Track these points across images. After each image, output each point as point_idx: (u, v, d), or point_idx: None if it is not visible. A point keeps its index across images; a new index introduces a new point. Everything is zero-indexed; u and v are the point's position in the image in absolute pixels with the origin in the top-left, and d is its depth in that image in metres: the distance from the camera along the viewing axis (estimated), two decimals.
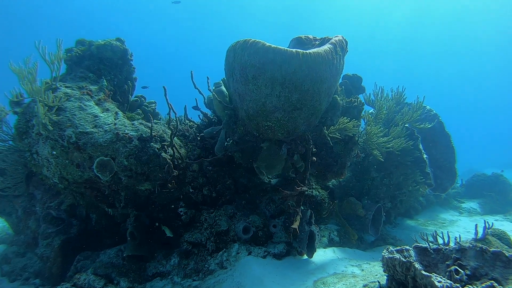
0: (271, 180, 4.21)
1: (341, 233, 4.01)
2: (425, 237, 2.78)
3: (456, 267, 2.09)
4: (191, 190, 3.49)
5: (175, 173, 3.02)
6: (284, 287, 2.66)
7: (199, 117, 4.01)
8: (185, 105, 3.83)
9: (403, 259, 1.98)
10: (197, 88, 3.55)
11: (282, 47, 2.50)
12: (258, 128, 2.93)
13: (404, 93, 4.04)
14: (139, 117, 3.50)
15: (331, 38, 3.05)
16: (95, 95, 3.17)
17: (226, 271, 3.17)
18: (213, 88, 3.48)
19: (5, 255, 4.20)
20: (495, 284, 1.68)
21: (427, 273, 1.85)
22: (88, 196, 3.30)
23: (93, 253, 3.80)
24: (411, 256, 2.32)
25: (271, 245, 3.49)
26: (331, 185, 4.36)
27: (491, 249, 2.10)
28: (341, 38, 2.92)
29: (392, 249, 2.27)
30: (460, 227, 5.01)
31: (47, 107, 2.77)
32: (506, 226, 5.26)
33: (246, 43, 2.60)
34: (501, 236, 2.60)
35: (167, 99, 2.91)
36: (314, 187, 4.10)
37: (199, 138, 3.62)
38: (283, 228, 3.55)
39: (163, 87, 2.88)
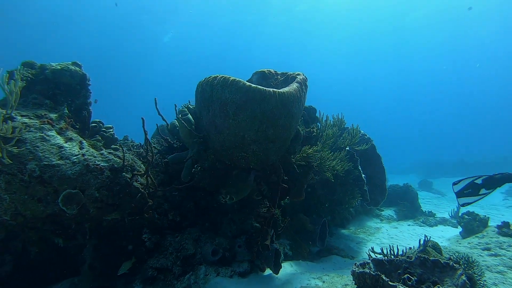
0: (227, 201, 4.40)
1: (293, 247, 4.39)
2: (373, 250, 3.30)
3: (408, 275, 2.59)
4: (156, 216, 3.48)
5: (150, 203, 3.02)
6: None
7: (159, 142, 4.01)
8: (146, 131, 3.80)
9: (373, 273, 2.40)
10: (161, 115, 3.58)
11: (261, 87, 2.75)
12: (232, 158, 3.13)
13: (344, 119, 4.64)
14: (100, 144, 3.38)
15: (294, 75, 3.43)
16: (56, 124, 2.99)
17: None
18: (179, 115, 3.55)
19: None
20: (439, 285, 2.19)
21: (393, 284, 2.28)
22: (44, 231, 3.06)
23: None
24: (371, 268, 2.76)
25: (235, 264, 3.67)
26: (282, 203, 4.73)
27: (431, 258, 2.65)
28: (304, 77, 3.30)
29: (358, 263, 2.68)
30: (385, 233, 5.85)
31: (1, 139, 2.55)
32: (417, 229, 6.31)
33: (226, 81, 2.79)
34: (435, 246, 3.27)
35: (144, 130, 2.93)
36: (267, 206, 4.42)
37: (163, 164, 3.64)
38: (246, 247, 3.77)
39: (142, 118, 2.89)
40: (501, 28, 36.87)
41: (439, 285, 2.27)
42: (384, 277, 2.32)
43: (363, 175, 4.51)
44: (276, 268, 3.41)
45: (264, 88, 2.75)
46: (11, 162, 2.55)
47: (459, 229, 5.60)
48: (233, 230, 3.96)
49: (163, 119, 3.66)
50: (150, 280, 3.49)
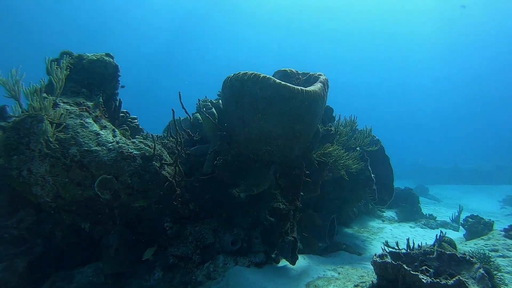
0: (241, 195, 4.56)
1: (304, 242, 4.56)
2: (387, 245, 3.48)
3: (426, 267, 2.76)
4: (179, 206, 3.63)
5: (178, 191, 3.18)
6: None
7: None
8: (169, 123, 3.96)
9: (394, 263, 2.57)
10: (185, 109, 3.75)
11: (290, 85, 2.93)
12: (256, 151, 3.30)
13: (356, 121, 4.84)
14: (128, 133, 3.53)
15: (316, 75, 3.61)
16: (92, 112, 3.14)
17: (217, 281, 3.41)
18: (203, 109, 3.71)
19: None
20: (462, 278, 2.37)
21: (415, 273, 2.46)
22: (77, 215, 3.20)
23: (66, 273, 3.62)
24: (389, 259, 2.93)
25: (252, 255, 3.83)
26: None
27: (447, 252, 2.83)
28: (326, 77, 3.48)
29: (378, 255, 2.85)
30: (388, 233, 6.04)
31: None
32: (419, 231, 6.52)
33: (257, 77, 2.96)
34: (450, 242, 3.45)
35: (175, 122, 3.09)
36: (280, 200, 4.58)
37: (185, 156, 3.79)
38: (261, 239, 3.93)
39: (172, 109, 3.06)
40: (496, 34, 37.32)
41: (458, 276, 2.45)
42: (405, 266, 2.50)
43: (372, 175, 4.70)
44: (293, 259, 3.58)
45: (293, 85, 2.93)
46: (58, 147, 2.70)
47: (461, 232, 5.81)
48: (248, 222, 4.13)
49: (186, 113, 3.82)
50: (170, 267, 3.64)
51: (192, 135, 4.07)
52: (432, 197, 16.05)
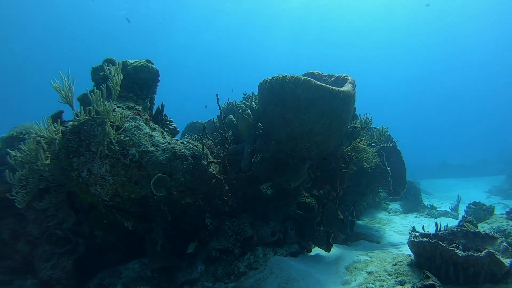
0: (268, 191, 4.82)
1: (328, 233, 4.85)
2: (415, 230, 3.81)
3: (456, 244, 3.09)
4: (219, 202, 3.86)
5: (226, 187, 3.41)
6: (325, 275, 3.32)
7: (212, 135, 4.39)
8: (204, 126, 4.18)
9: (431, 241, 2.88)
10: (221, 111, 3.99)
11: (329, 86, 3.22)
12: (295, 148, 3.57)
13: (371, 120, 5.16)
14: (170, 134, 3.74)
15: (343, 77, 3.91)
16: (143, 115, 3.34)
17: (259, 270, 3.64)
18: (239, 110, 3.96)
19: None
20: (491, 250, 2.70)
21: (451, 248, 2.78)
22: (129, 213, 3.38)
23: (112, 269, 3.79)
24: (425, 239, 3.23)
25: (286, 246, 4.09)
26: (316, 193, 5.19)
27: (471, 231, 3.17)
28: (353, 78, 3.79)
29: (413, 235, 3.16)
30: (397, 223, 6.42)
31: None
32: (424, 220, 6.93)
33: (298, 80, 3.23)
34: (472, 222, 3.81)
35: (223, 124, 3.32)
36: (305, 195, 4.87)
37: (221, 155, 4.02)
38: (295, 231, 4.20)
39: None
40: (484, 33, 38.72)
41: (488, 248, 2.78)
42: (442, 243, 2.81)
43: (388, 168, 5.04)
44: (328, 247, 3.86)
45: (331, 87, 3.22)
46: (118, 148, 2.89)
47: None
48: (280, 216, 4.39)
49: (221, 113, 4.06)
50: (212, 260, 3.86)
51: (225, 135, 4.30)
52: (423, 191, 16.63)
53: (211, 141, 4.15)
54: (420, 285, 2.19)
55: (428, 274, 2.35)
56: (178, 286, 3.70)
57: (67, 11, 33.83)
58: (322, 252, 4.08)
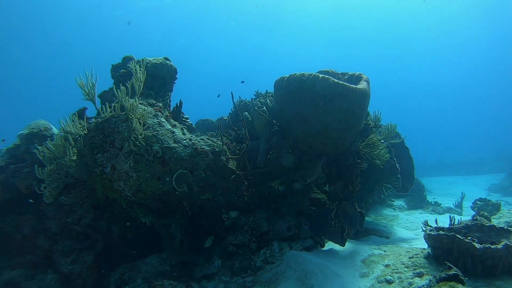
0: (279, 188, 4.89)
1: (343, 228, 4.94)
2: (428, 224, 3.89)
3: (471, 238, 3.17)
4: (235, 198, 3.92)
5: (245, 183, 3.48)
6: (342, 268, 3.41)
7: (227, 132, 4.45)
8: (219, 123, 4.24)
9: (449, 234, 2.97)
10: (237, 108, 4.05)
11: (347, 84, 3.29)
12: (312, 144, 3.64)
13: (380, 116, 5.25)
14: (188, 131, 3.80)
15: (357, 75, 3.98)
16: (163, 112, 3.39)
17: (276, 264, 3.71)
18: (255, 108, 4.02)
19: (11, 279, 3.82)
20: (508, 243, 2.79)
21: (469, 240, 2.86)
22: (149, 209, 3.44)
23: (130, 264, 3.85)
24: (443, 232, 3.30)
25: (301, 241, 4.17)
26: (327, 189, 5.27)
27: (486, 224, 3.26)
28: (367, 76, 3.86)
29: (428, 229, 3.24)
30: (404, 219, 6.52)
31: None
32: (429, 216, 7.01)
33: (316, 77, 3.30)
34: (486, 216, 3.91)
35: (244, 122, 3.38)
36: (316, 191, 4.94)
37: (238, 151, 4.09)
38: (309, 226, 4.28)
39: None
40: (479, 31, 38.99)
41: (505, 241, 2.87)
42: (459, 236, 2.90)
43: (397, 165, 5.13)
44: (343, 241, 3.94)
45: (349, 84, 3.29)
46: (144, 144, 2.95)
47: (465, 216, 6.33)
48: (293, 212, 4.46)
49: (239, 111, 4.12)
50: (228, 255, 3.93)
51: (239, 132, 4.36)
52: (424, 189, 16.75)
53: (225, 138, 4.21)
54: (444, 275, 2.27)
55: (450, 265, 2.43)
56: (197, 280, 3.77)
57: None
58: (335, 246, 4.17)
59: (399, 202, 7.97)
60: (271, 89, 4.36)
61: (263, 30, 42.91)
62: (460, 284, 2.13)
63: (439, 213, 7.33)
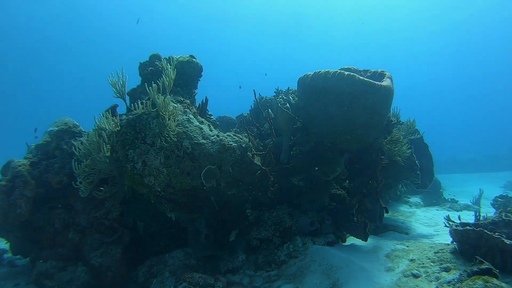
0: (299, 183, 4.94)
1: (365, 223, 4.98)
2: (450, 219, 3.90)
3: (499, 233, 3.18)
4: (259, 193, 3.99)
5: (271, 179, 3.54)
6: (367, 262, 3.45)
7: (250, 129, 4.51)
8: (242, 119, 4.31)
9: (476, 229, 2.98)
10: (261, 107, 4.11)
11: (372, 81, 3.32)
12: (335, 141, 3.68)
13: (399, 113, 5.27)
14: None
15: (379, 72, 3.99)
16: (191, 109, 3.47)
17: (299, 259, 3.77)
18: (279, 105, 4.07)
19: (46, 270, 3.96)
20: None
21: (498, 236, 2.88)
22: (177, 203, 3.52)
23: (158, 258, 3.95)
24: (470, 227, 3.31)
25: (323, 236, 4.22)
26: (346, 185, 5.31)
27: None
28: (390, 73, 3.88)
29: (454, 225, 3.26)
30: (421, 215, 6.51)
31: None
32: (447, 214, 6.99)
33: (342, 75, 3.33)
34: None
35: (270, 120, 3.43)
36: (335, 187, 4.98)
37: (261, 148, 4.15)
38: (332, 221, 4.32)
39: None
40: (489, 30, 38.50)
41: None
42: (487, 232, 2.92)
43: (417, 161, 5.14)
44: (366, 236, 3.98)
45: (374, 81, 3.32)
46: (175, 140, 3.03)
47: (483, 214, 6.28)
48: (314, 207, 4.52)
49: (262, 109, 4.18)
50: (252, 250, 4.00)
51: (262, 129, 4.42)
52: None
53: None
54: (476, 269, 2.30)
55: (481, 259, 2.46)
56: (222, 274, 3.86)
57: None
58: (357, 241, 4.21)
59: (415, 199, 7.95)
60: (285, 87, 4.42)
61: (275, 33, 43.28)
62: (494, 278, 2.16)
63: (457, 210, 7.30)
